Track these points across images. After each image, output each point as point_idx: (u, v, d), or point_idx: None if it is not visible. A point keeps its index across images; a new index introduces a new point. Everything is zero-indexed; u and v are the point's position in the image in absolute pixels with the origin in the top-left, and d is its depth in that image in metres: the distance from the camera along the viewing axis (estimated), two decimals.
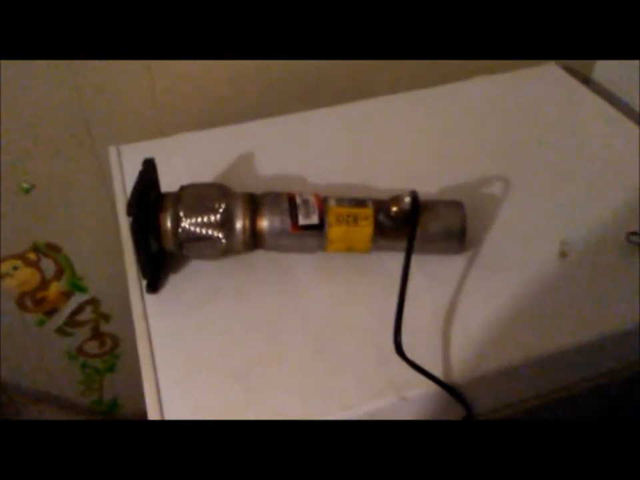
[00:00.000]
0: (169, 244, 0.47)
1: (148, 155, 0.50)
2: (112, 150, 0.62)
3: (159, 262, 0.49)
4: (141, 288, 0.48)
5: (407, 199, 0.46)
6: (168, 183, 0.50)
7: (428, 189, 0.54)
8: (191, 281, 0.49)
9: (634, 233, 0.51)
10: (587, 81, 0.74)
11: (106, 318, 0.88)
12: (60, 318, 0.85)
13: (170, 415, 0.41)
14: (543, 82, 0.70)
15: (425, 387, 0.42)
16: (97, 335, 0.90)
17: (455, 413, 0.44)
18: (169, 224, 0.46)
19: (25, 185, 0.70)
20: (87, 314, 0.87)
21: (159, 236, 0.46)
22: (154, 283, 0.48)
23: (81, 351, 0.91)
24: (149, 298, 0.48)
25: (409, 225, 0.46)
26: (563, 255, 0.51)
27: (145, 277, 0.48)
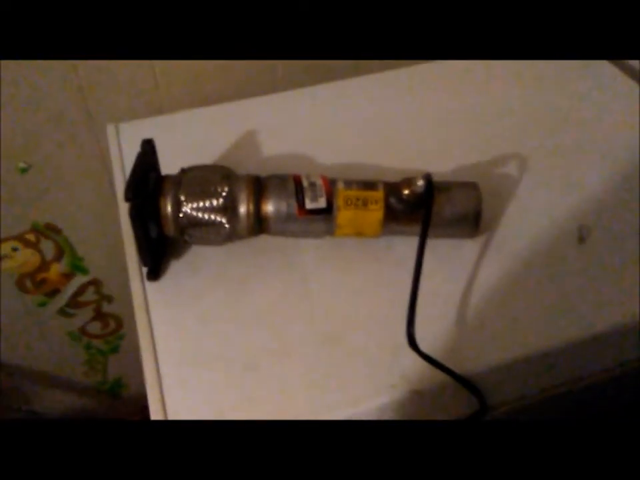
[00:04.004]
0: (170, 230, 0.45)
1: (147, 133, 0.47)
2: (110, 128, 0.59)
3: (159, 248, 0.47)
4: (142, 275, 0.46)
5: (420, 182, 0.43)
6: (168, 162, 0.47)
7: (440, 168, 0.51)
8: (194, 268, 0.47)
9: None
10: None
11: (108, 299, 0.87)
12: (61, 299, 0.84)
13: (172, 408, 0.39)
14: None
15: (437, 380, 0.40)
16: (99, 315, 0.89)
17: (469, 405, 0.42)
18: (169, 209, 0.44)
19: (22, 165, 0.67)
20: (89, 295, 0.85)
21: (159, 221, 0.44)
22: (155, 271, 0.46)
23: (84, 332, 0.90)
24: (150, 286, 0.46)
25: (422, 209, 0.44)
26: (580, 239, 0.49)
27: (145, 264, 0.46)
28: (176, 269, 0.47)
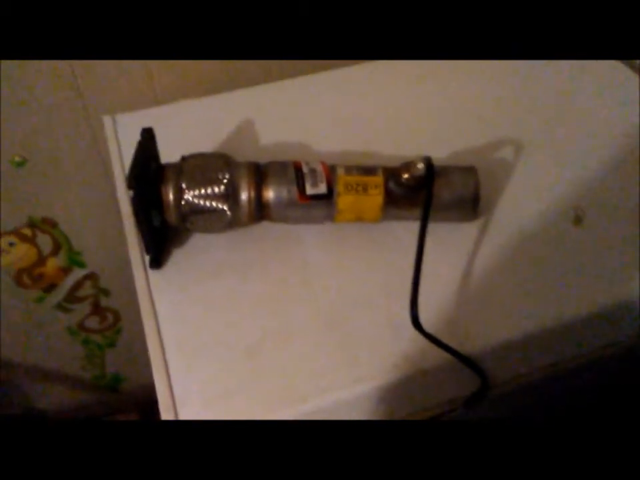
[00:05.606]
0: (172, 217, 0.45)
1: (144, 124, 0.47)
2: (107, 119, 0.59)
3: (162, 236, 0.47)
4: (144, 263, 0.47)
5: (420, 165, 0.44)
6: (166, 153, 0.47)
7: (438, 153, 0.52)
8: (196, 256, 0.47)
9: None
10: None
11: (106, 293, 0.87)
12: (59, 294, 0.84)
13: (179, 393, 0.40)
14: None
15: (439, 359, 0.41)
16: (97, 310, 0.89)
17: (471, 383, 0.43)
18: (171, 197, 0.44)
19: (18, 159, 0.67)
20: (86, 289, 0.85)
21: (162, 209, 0.44)
22: (157, 258, 0.46)
23: (81, 326, 0.90)
24: (153, 274, 0.46)
25: (422, 192, 0.45)
26: (577, 221, 0.50)
27: (148, 252, 0.46)
28: (178, 256, 0.47)
